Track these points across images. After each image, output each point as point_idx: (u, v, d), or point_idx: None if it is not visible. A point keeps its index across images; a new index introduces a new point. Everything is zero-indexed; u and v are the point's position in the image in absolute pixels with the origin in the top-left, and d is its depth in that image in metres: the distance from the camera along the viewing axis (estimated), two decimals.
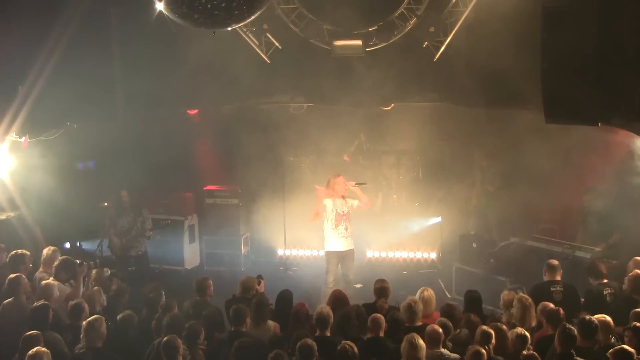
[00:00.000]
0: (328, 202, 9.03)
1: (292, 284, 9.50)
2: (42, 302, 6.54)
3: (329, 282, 9.07)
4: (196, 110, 11.80)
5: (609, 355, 5.32)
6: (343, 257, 9.13)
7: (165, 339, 5.78)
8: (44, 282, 7.07)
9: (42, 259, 7.80)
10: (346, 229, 9.08)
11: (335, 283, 9.09)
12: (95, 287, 7.34)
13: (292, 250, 11.69)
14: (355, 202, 9.20)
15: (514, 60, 8.44)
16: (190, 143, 11.94)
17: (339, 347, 5.66)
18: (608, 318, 5.98)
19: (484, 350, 5.58)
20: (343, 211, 9.07)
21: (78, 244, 11.02)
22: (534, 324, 6.53)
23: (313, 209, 9.20)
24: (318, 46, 9.73)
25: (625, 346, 5.41)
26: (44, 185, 9.38)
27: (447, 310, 6.61)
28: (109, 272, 7.93)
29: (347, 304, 6.90)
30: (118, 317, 6.55)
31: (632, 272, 7.06)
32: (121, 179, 10.50)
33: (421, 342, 5.58)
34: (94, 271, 7.74)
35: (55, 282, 7.21)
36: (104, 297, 7.25)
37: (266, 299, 6.90)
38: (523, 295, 6.84)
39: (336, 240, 9.06)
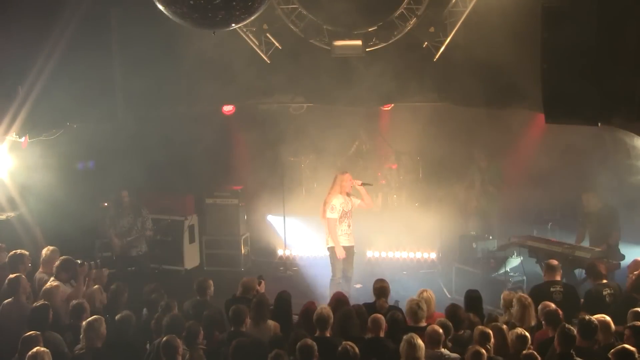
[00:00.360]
0: (338, 200, 9.10)
1: (292, 284, 9.53)
2: (42, 302, 6.54)
3: (337, 278, 9.15)
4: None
5: (610, 356, 5.32)
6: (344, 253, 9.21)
7: (164, 338, 5.78)
8: (47, 285, 7.06)
9: (41, 259, 7.79)
10: (349, 225, 9.28)
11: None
12: (96, 286, 7.34)
13: (292, 250, 11.69)
14: (357, 201, 9.33)
15: (514, 60, 8.43)
16: (191, 143, 11.94)
17: (340, 348, 5.65)
18: (608, 318, 5.98)
19: (484, 351, 5.58)
20: (347, 208, 9.15)
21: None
22: (533, 323, 6.53)
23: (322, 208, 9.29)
24: (318, 46, 9.73)
25: (627, 345, 5.40)
26: (44, 185, 9.37)
27: (452, 310, 6.62)
28: (108, 272, 7.93)
29: (348, 306, 6.90)
30: (116, 318, 6.53)
31: (638, 271, 7.04)
32: (121, 179, 10.50)
33: (420, 341, 5.58)
34: (94, 271, 7.74)
35: (59, 285, 7.21)
36: (104, 295, 7.26)
37: (266, 299, 6.90)
38: (522, 294, 6.85)
39: (339, 236, 9.16)
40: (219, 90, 10.21)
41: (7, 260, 7.60)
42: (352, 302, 7.23)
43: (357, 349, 5.64)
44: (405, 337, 5.64)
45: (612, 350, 5.37)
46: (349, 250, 9.28)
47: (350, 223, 9.27)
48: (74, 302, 6.69)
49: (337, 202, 9.16)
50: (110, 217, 10.16)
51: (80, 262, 7.56)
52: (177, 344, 5.75)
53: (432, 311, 6.90)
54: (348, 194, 9.30)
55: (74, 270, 7.49)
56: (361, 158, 12.19)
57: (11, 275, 7.03)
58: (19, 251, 7.63)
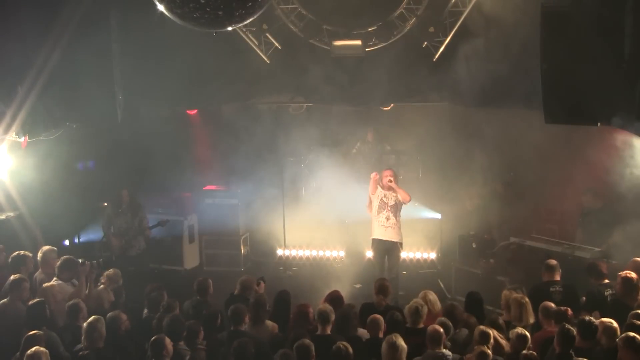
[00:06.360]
0: (377, 191, 9.34)
1: (292, 284, 9.52)
2: (37, 299, 6.53)
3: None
4: (195, 111, 11.80)
5: (618, 342, 5.38)
6: (386, 248, 9.39)
7: (154, 337, 5.79)
8: (44, 285, 7.03)
9: (39, 259, 7.77)
10: (387, 218, 9.33)
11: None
12: (102, 286, 7.31)
13: (292, 250, 11.69)
14: (399, 196, 9.38)
15: (514, 60, 8.44)
16: (190, 143, 11.94)
17: (333, 347, 5.64)
18: (615, 324, 5.89)
19: (489, 351, 5.58)
20: (387, 201, 9.32)
21: (77, 240, 10.94)
22: (531, 321, 6.53)
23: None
24: (318, 46, 9.74)
25: (631, 333, 5.40)
26: (44, 185, 9.37)
27: (449, 310, 6.65)
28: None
29: (343, 304, 6.90)
30: (107, 316, 6.42)
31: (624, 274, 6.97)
32: (121, 179, 10.50)
33: (401, 342, 5.57)
34: (111, 271, 7.69)
35: (55, 285, 7.21)
36: (111, 294, 7.25)
37: (264, 299, 6.90)
38: (518, 294, 6.85)
39: (376, 229, 9.39)
40: (218, 90, 10.23)
41: (9, 261, 7.58)
42: (352, 302, 7.23)
43: (350, 349, 5.62)
44: (387, 338, 5.63)
45: (621, 337, 5.40)
46: (390, 245, 9.36)
47: (389, 216, 9.32)
48: (70, 302, 6.65)
49: (377, 191, 9.32)
50: (107, 217, 10.14)
51: (82, 261, 7.54)
52: (166, 342, 5.75)
53: (437, 311, 6.89)
54: (391, 189, 9.32)
55: (75, 269, 7.46)
56: (362, 158, 12.17)
57: (14, 276, 6.99)
58: (21, 252, 7.59)
